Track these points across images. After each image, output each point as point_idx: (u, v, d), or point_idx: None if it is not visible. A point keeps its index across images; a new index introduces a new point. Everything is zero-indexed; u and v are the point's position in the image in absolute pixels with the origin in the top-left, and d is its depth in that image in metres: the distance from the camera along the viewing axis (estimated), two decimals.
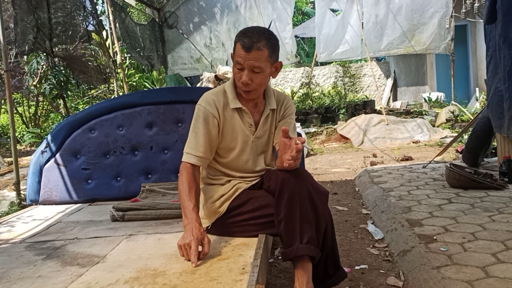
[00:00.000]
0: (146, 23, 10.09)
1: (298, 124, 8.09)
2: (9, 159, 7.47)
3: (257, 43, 1.80)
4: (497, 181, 3.69)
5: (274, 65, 1.90)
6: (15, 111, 10.14)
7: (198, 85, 7.31)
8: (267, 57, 1.83)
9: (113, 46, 7.88)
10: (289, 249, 1.70)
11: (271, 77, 1.94)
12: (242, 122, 1.96)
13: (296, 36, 12.28)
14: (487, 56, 4.13)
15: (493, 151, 4.87)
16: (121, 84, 8.37)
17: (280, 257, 2.42)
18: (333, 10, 10.57)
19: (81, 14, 6.98)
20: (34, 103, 11.05)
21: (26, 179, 3.12)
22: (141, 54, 9.07)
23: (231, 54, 1.91)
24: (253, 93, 1.91)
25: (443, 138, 7.47)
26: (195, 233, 1.67)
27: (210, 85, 6.36)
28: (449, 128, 8.36)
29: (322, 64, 14.61)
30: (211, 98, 1.94)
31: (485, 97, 8.60)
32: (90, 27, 7.30)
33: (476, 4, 8.20)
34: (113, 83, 8.18)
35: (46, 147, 2.95)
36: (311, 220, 1.72)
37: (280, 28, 9.84)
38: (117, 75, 8.04)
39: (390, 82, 13.88)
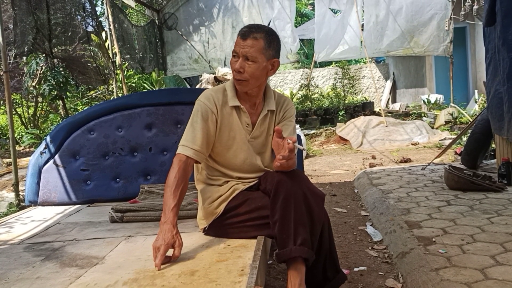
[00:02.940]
0: (144, 24, 10.09)
1: (297, 126, 8.09)
2: (8, 160, 7.46)
3: (255, 33, 1.84)
4: (496, 183, 3.69)
5: (271, 61, 1.90)
6: (14, 112, 10.12)
7: (197, 86, 7.32)
8: (262, 49, 1.85)
9: (112, 47, 7.88)
10: (283, 251, 1.71)
11: (268, 75, 1.94)
12: (240, 121, 1.96)
13: None
14: (486, 58, 4.14)
15: (492, 153, 4.88)
16: (120, 85, 8.36)
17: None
18: (332, 11, 10.57)
19: (81, 15, 6.98)
20: (33, 104, 11.03)
21: (25, 180, 3.11)
22: (133, 57, 9.05)
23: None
24: (245, 85, 1.90)
25: (442, 140, 7.48)
26: (167, 237, 1.67)
27: (209, 87, 6.37)
28: (448, 130, 8.37)
29: (322, 65, 14.63)
30: (211, 94, 1.95)
31: (484, 99, 8.63)
32: (90, 28, 7.31)
33: (475, 7, 8.21)
34: (112, 84, 8.18)
35: (45, 148, 2.95)
36: (306, 222, 1.72)
37: (279, 26, 9.84)
38: (116, 76, 8.04)
39: (389, 84, 13.90)
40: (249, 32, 1.84)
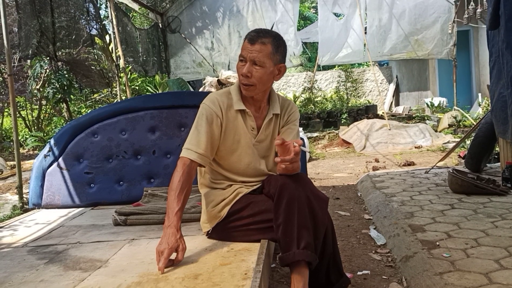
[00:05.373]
0: (148, 27, 10.12)
1: (300, 129, 8.08)
2: (12, 163, 7.48)
3: (263, 38, 1.84)
4: (500, 187, 3.68)
5: (278, 66, 1.90)
6: (18, 115, 10.15)
7: (201, 89, 7.33)
8: (270, 54, 1.85)
9: (116, 50, 7.91)
10: (286, 254, 1.71)
11: (274, 80, 1.94)
12: (245, 124, 1.96)
13: None
14: (490, 61, 4.12)
15: (496, 156, 4.86)
16: (124, 88, 8.39)
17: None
18: (336, 14, 10.58)
19: (85, 19, 7.01)
20: (37, 106, 11.08)
21: (28, 183, 3.13)
22: (137, 60, 9.07)
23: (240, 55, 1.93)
24: (252, 89, 1.89)
25: (445, 143, 7.46)
26: (170, 241, 1.67)
27: (213, 90, 6.37)
28: (451, 133, 8.35)
29: (325, 68, 14.63)
30: (216, 98, 1.95)
31: (487, 102, 8.60)
32: (93, 32, 7.34)
33: (479, 10, 8.20)
34: (115, 87, 8.20)
35: (49, 151, 2.96)
36: (309, 226, 1.72)
37: (282, 29, 9.84)
38: (120, 79, 8.06)
39: (392, 87, 13.88)
40: (257, 36, 1.84)
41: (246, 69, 1.85)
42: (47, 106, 10.88)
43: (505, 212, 3.10)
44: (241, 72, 1.87)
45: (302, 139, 1.92)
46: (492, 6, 3.62)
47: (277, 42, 1.88)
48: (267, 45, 1.84)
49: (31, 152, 9.55)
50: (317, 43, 10.79)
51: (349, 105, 11.04)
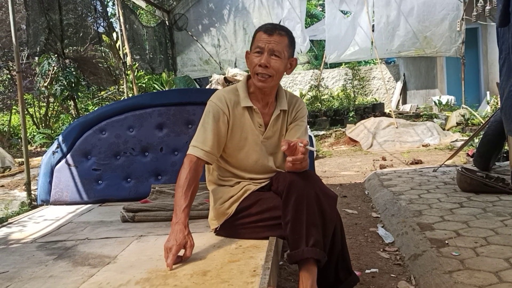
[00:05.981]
0: (155, 25, 10.14)
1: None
2: (20, 160, 7.53)
3: (279, 30, 1.87)
4: (509, 185, 3.64)
5: (290, 60, 1.92)
6: (26, 112, 10.21)
7: (207, 87, 7.34)
8: (287, 46, 1.87)
9: (123, 48, 7.93)
10: (295, 252, 1.70)
11: (286, 73, 1.94)
12: (252, 121, 1.95)
13: None
14: (500, 59, 4.08)
15: (505, 155, 4.82)
16: (131, 85, 8.41)
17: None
18: (343, 12, 10.53)
19: (92, 16, 7.04)
20: (45, 104, 11.14)
21: (36, 180, 3.14)
22: (144, 57, 9.08)
23: (246, 52, 1.92)
24: (270, 81, 1.88)
25: (453, 141, 7.41)
26: (178, 238, 1.67)
27: (219, 87, 6.37)
28: (459, 131, 8.29)
29: (331, 66, 14.58)
30: (222, 95, 1.94)
31: (496, 100, 8.54)
32: (101, 29, 7.37)
33: (487, 7, 8.14)
34: (122, 85, 8.22)
35: (57, 147, 2.97)
36: (318, 223, 1.72)
37: (289, 26, 9.67)
38: (127, 77, 8.08)
39: (399, 85, 13.82)
40: (273, 28, 1.86)
41: (264, 59, 1.84)
42: (55, 104, 10.93)
43: None
44: (259, 62, 1.84)
45: (310, 137, 1.92)
46: (502, 3, 3.58)
47: (291, 36, 1.92)
48: (284, 36, 1.87)
49: (38, 149, 9.61)
50: (324, 40, 10.76)
51: (356, 103, 11.01)
